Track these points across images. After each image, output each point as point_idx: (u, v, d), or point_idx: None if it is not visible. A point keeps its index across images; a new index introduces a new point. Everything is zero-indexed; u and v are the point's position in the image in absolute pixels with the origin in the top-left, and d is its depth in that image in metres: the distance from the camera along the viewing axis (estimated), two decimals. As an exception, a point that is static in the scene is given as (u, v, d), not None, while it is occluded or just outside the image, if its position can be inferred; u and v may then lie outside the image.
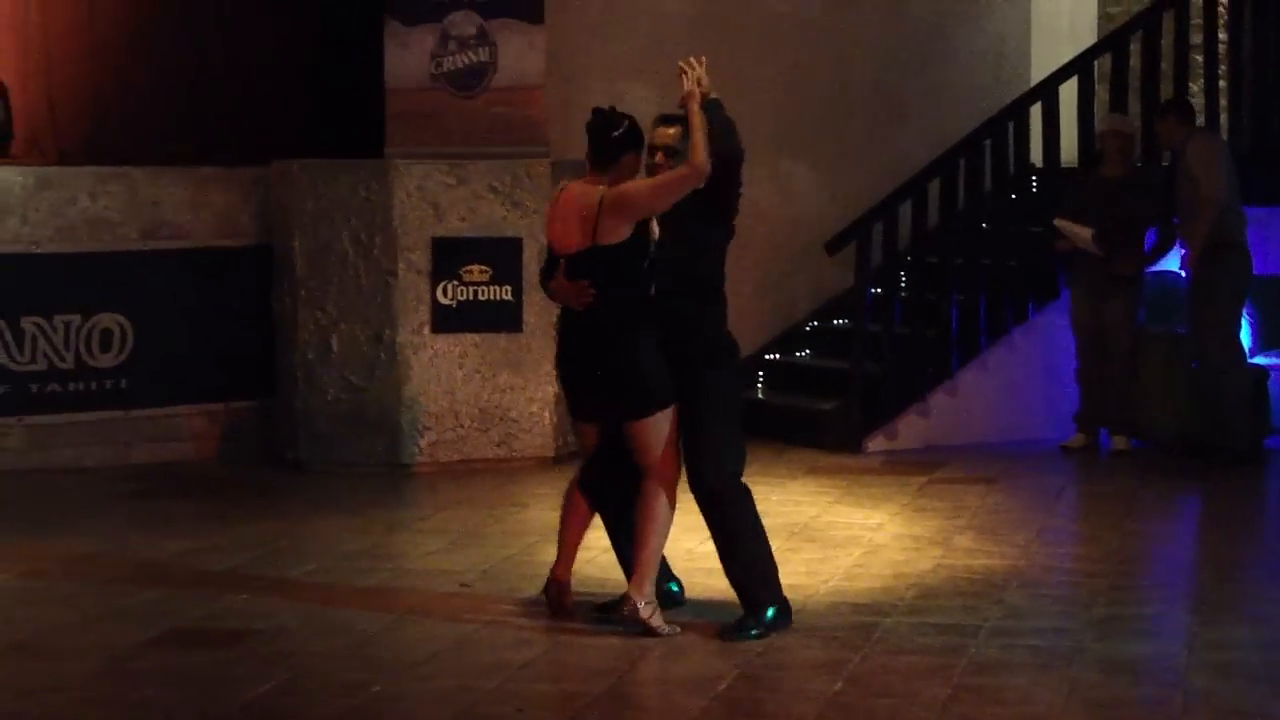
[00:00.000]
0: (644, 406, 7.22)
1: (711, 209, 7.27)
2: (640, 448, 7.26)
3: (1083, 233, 11.16)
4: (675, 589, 7.62)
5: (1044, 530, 9.25)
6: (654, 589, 7.27)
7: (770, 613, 7.30)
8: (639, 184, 7.24)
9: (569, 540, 7.50)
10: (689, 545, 8.17)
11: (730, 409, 7.37)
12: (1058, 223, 11.27)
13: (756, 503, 7.42)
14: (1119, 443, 11.34)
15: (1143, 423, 11.38)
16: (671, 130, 7.31)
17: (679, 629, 7.25)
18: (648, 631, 7.17)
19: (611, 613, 7.36)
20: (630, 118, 7.34)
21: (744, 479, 7.44)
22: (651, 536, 7.24)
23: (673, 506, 7.29)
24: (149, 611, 7.65)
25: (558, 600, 7.48)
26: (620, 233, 7.17)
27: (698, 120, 7.12)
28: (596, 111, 7.38)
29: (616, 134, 7.28)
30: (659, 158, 7.30)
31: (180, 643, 7.19)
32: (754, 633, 7.22)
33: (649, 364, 7.22)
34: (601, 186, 7.23)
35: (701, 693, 6.55)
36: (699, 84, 7.17)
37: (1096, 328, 11.34)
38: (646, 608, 7.20)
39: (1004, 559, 8.57)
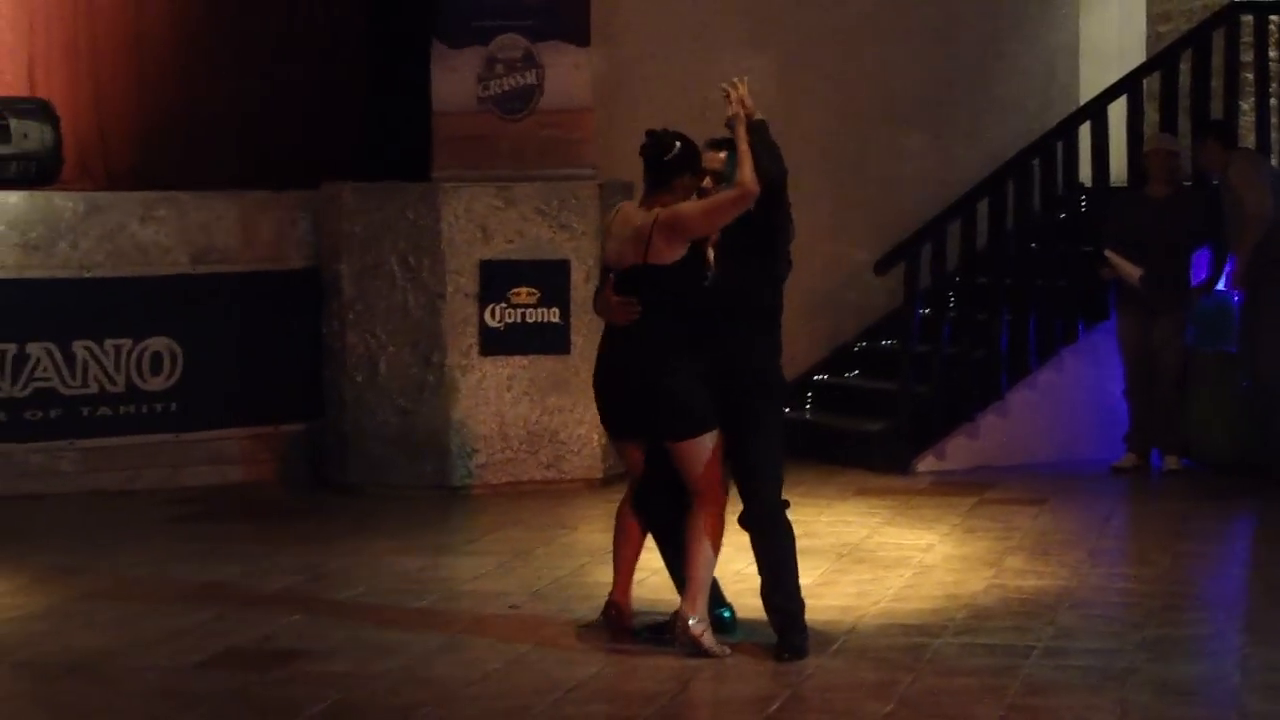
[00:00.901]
0: (684, 429, 7.21)
1: (760, 234, 7.26)
2: (684, 469, 7.26)
3: (1132, 271, 11.12)
4: (727, 615, 7.57)
5: (1095, 551, 9.21)
6: (706, 609, 7.26)
7: (801, 638, 7.30)
8: (692, 205, 7.24)
9: (624, 561, 7.50)
10: (738, 567, 8.15)
11: (778, 440, 7.39)
12: (1108, 254, 11.21)
13: (806, 524, 7.42)
14: (1170, 463, 11.28)
15: (1194, 443, 11.33)
16: (720, 155, 7.33)
17: (729, 649, 7.23)
18: (699, 651, 7.16)
19: (664, 633, 7.35)
20: (684, 138, 7.33)
21: (793, 500, 7.44)
22: (700, 556, 7.22)
23: (722, 526, 7.28)
24: (202, 633, 7.68)
25: (617, 622, 7.47)
26: (672, 253, 7.18)
27: (744, 142, 7.12)
28: (649, 134, 7.38)
29: (669, 157, 7.28)
30: (707, 182, 7.31)
31: (233, 664, 7.21)
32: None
33: (687, 386, 7.21)
34: (656, 209, 7.24)
35: (753, 714, 6.53)
36: (743, 104, 7.18)
37: (1144, 348, 11.29)
38: (698, 625, 7.18)
39: (1055, 580, 8.54)
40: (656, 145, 7.31)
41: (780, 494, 7.41)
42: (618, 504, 7.62)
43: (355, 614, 7.99)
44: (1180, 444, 11.30)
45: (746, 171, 7.08)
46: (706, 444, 7.22)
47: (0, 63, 11.57)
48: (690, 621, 7.18)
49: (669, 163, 7.27)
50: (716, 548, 7.28)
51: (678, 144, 7.29)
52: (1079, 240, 11.72)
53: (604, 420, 7.64)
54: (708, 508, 7.23)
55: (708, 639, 7.20)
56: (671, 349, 7.23)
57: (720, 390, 7.28)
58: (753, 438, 7.27)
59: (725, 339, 7.31)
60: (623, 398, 7.36)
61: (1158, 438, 11.36)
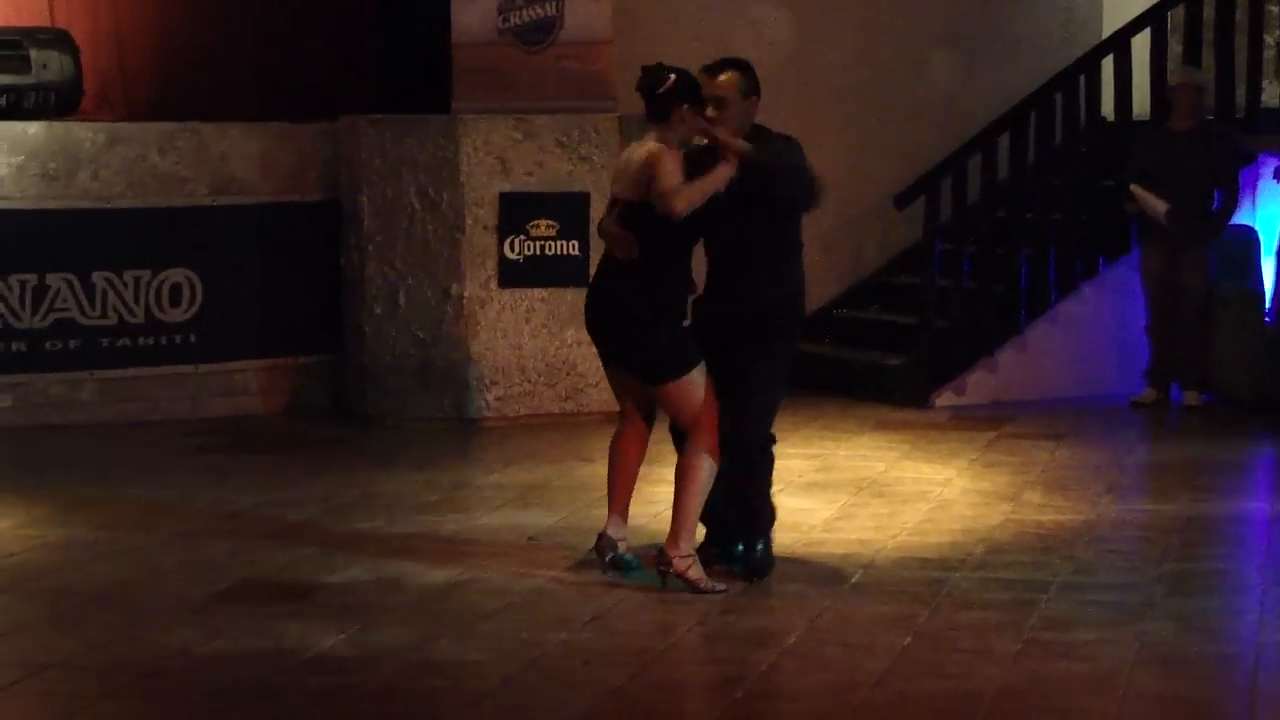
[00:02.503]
0: (661, 372, 7.18)
1: (770, 202, 7.24)
2: (669, 410, 7.24)
3: (1158, 205, 11.08)
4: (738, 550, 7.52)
5: (1113, 486, 9.20)
6: (691, 544, 7.21)
7: (762, 544, 7.40)
8: (666, 170, 7.05)
9: (617, 492, 7.48)
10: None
11: (778, 376, 7.38)
12: (1134, 189, 11.17)
13: (824, 458, 7.42)
14: (1190, 398, 11.26)
15: (1215, 378, 11.30)
16: (719, 78, 7.22)
17: (723, 586, 7.20)
18: (689, 586, 7.13)
19: (627, 566, 7.39)
20: (680, 71, 7.21)
21: (811, 434, 7.46)
22: (690, 494, 7.17)
23: (716, 464, 7.20)
24: (220, 564, 7.70)
25: (609, 552, 7.46)
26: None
27: (708, 179, 7.06)
28: (644, 69, 7.26)
29: (661, 90, 7.16)
30: (709, 111, 7.22)
31: (250, 595, 7.24)
32: (761, 547, 7.38)
33: (669, 330, 7.15)
34: (655, 143, 7.15)
35: (770, 647, 6.54)
36: (732, 146, 7.08)
37: (1168, 283, 11.26)
38: (682, 561, 7.15)
39: (1074, 514, 8.53)
40: (650, 79, 7.20)
41: (769, 429, 7.40)
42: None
43: (373, 545, 8.01)
44: (1201, 379, 11.28)
45: (672, 188, 6.99)
46: (688, 386, 7.14)
47: (20, -7, 11.55)
48: (674, 559, 7.14)
49: (663, 95, 7.15)
50: (707, 487, 7.20)
51: (671, 76, 7.17)
52: (1101, 174, 11.66)
53: (597, 347, 7.60)
54: (699, 447, 7.16)
55: (695, 573, 7.16)
56: (658, 291, 7.16)
57: (725, 323, 7.26)
58: (751, 371, 7.24)
59: (732, 274, 7.29)
60: (605, 331, 7.34)
61: (1178, 372, 11.34)
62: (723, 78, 7.24)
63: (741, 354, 7.27)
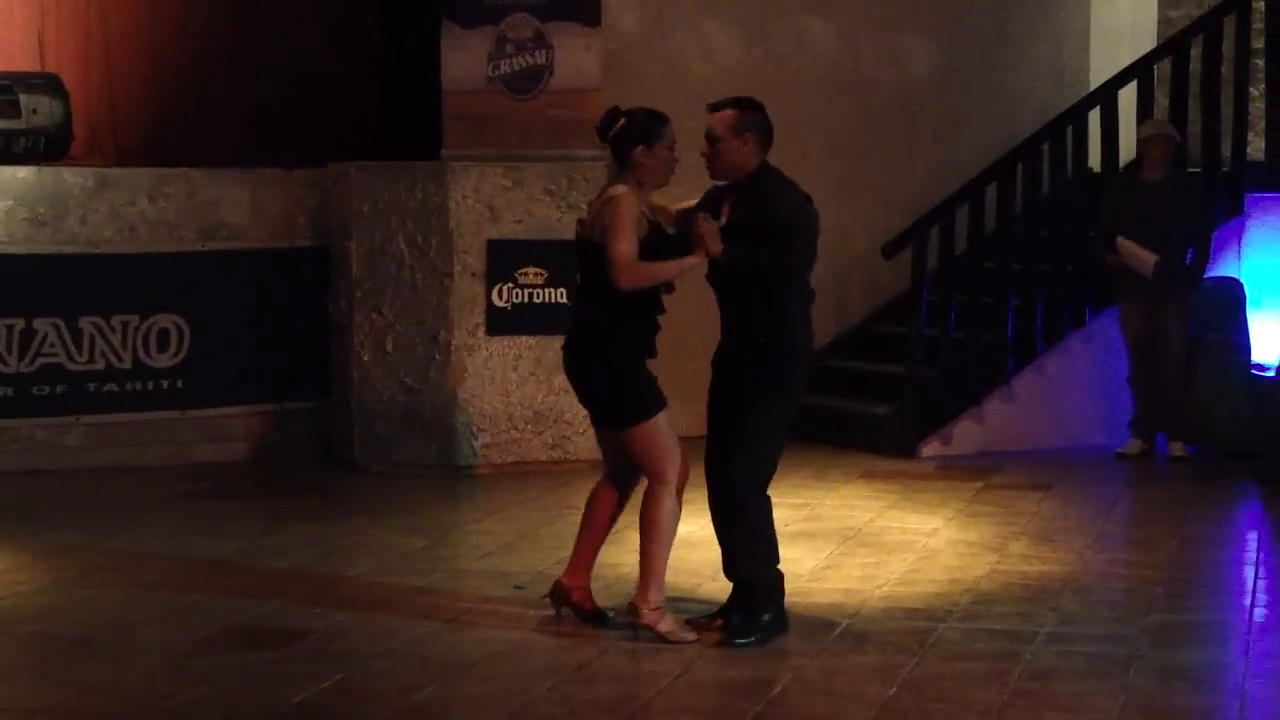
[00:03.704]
0: (620, 417, 7.12)
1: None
2: (631, 455, 7.18)
3: (1146, 258, 11.08)
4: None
5: (1099, 536, 9.21)
6: (661, 595, 7.15)
7: (767, 618, 7.22)
8: (620, 225, 6.93)
9: (581, 544, 7.41)
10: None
11: (778, 424, 7.21)
12: (1121, 242, 11.18)
13: (811, 507, 7.38)
14: (1175, 449, 11.28)
15: (1199, 429, 11.32)
16: (717, 114, 7.11)
17: (693, 636, 7.15)
18: (660, 639, 7.10)
19: (702, 624, 7.27)
20: (633, 113, 7.12)
21: (798, 483, 7.41)
22: (655, 544, 7.11)
23: (678, 511, 7.17)
24: (206, 610, 7.69)
25: (563, 602, 7.42)
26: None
27: (672, 265, 6.99)
28: (604, 114, 7.20)
29: (612, 134, 7.09)
30: (703, 146, 7.18)
31: (237, 642, 7.22)
32: (751, 639, 7.15)
33: (628, 374, 7.08)
34: (620, 187, 7.04)
35: (755, 697, 6.54)
36: (705, 243, 6.96)
37: (1149, 334, 11.28)
38: (652, 614, 7.11)
39: (1059, 565, 8.54)
40: (602, 123, 7.13)
41: (759, 480, 7.20)
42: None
43: (360, 593, 8.00)
44: (1185, 429, 11.30)
45: (658, 272, 6.95)
46: (649, 431, 7.07)
47: (10, 37, 11.58)
48: (644, 611, 7.10)
49: (615, 138, 7.08)
50: (671, 535, 7.15)
51: (621, 119, 7.08)
52: (1088, 225, 11.70)
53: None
54: (662, 494, 7.10)
55: (666, 625, 7.13)
56: (618, 334, 7.07)
57: (727, 362, 7.22)
58: (752, 418, 7.11)
59: (727, 313, 7.20)
60: (571, 376, 7.28)
61: (1162, 423, 11.37)
62: (717, 114, 7.15)
63: (735, 398, 7.18)
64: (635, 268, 6.96)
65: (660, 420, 7.10)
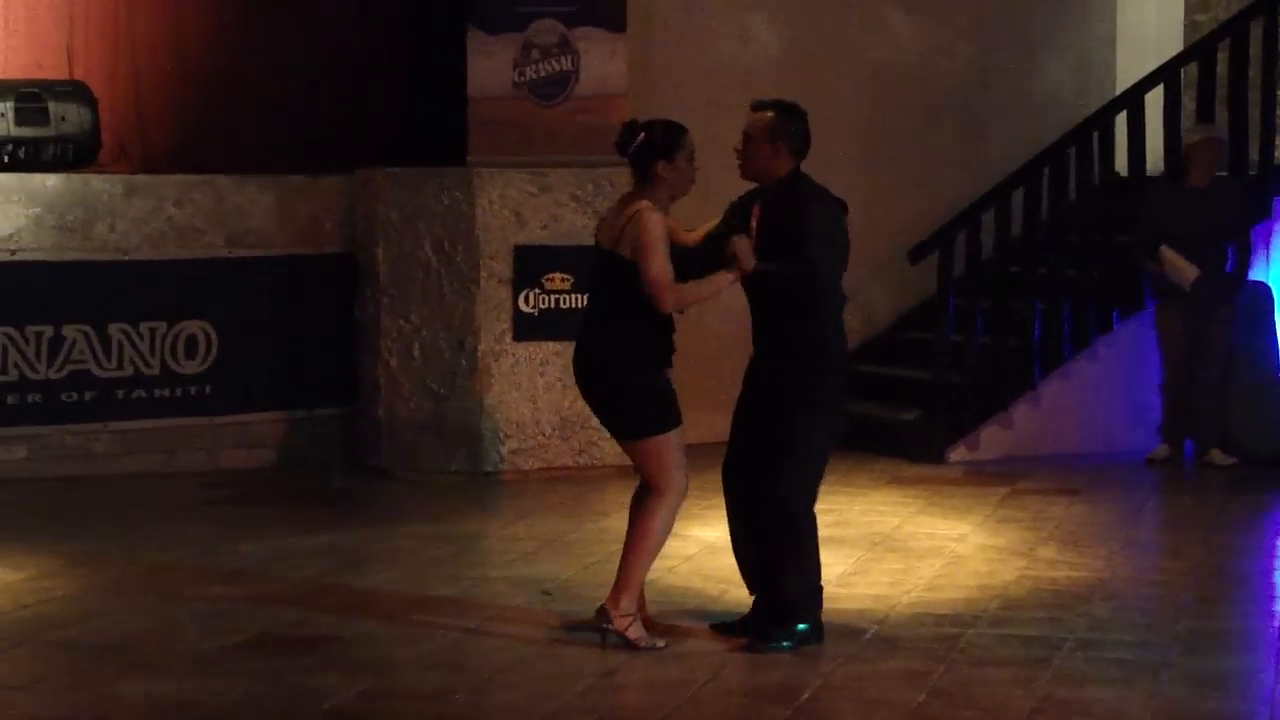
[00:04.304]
0: (630, 427, 7.09)
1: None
2: (635, 464, 7.17)
3: (1188, 271, 11.02)
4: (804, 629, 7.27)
5: (1128, 542, 9.19)
6: (633, 602, 7.10)
7: (803, 627, 7.18)
8: (652, 243, 6.89)
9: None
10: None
11: (822, 434, 7.14)
12: (1164, 251, 11.12)
13: (839, 513, 7.37)
14: (1217, 457, 11.15)
15: (1230, 435, 11.26)
16: (755, 115, 7.08)
17: (663, 643, 7.13)
18: (628, 644, 7.08)
19: (730, 631, 7.26)
20: (652, 126, 7.06)
21: (825, 489, 7.38)
22: (639, 554, 7.09)
23: (670, 525, 7.14)
24: (234, 617, 7.70)
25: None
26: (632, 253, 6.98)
27: (709, 284, 7.01)
28: (623, 125, 7.15)
29: (632, 149, 7.04)
30: (738, 141, 7.16)
31: (264, 648, 7.23)
32: (785, 644, 7.12)
33: (641, 387, 7.02)
34: (643, 202, 7.00)
35: (784, 703, 6.53)
36: (739, 260, 6.95)
37: (1189, 343, 11.20)
38: (622, 620, 7.07)
39: (1088, 570, 8.52)
40: (621, 138, 7.06)
41: (810, 492, 7.18)
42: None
43: (387, 599, 8.01)
44: (1223, 438, 11.22)
45: (664, 282, 6.89)
46: (659, 446, 7.02)
47: (39, 45, 11.60)
48: (614, 616, 7.06)
49: (635, 153, 7.03)
50: (658, 547, 7.14)
51: (642, 134, 7.02)
52: (1115, 230, 11.67)
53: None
54: (658, 506, 7.08)
55: (635, 631, 7.09)
56: (631, 344, 7.02)
57: (756, 379, 7.21)
58: (783, 430, 7.06)
59: (759, 320, 7.19)
60: (581, 384, 7.23)
61: (1200, 431, 11.28)
62: (756, 114, 7.12)
63: (774, 411, 7.10)
64: (678, 289, 6.94)
65: (672, 437, 7.05)
